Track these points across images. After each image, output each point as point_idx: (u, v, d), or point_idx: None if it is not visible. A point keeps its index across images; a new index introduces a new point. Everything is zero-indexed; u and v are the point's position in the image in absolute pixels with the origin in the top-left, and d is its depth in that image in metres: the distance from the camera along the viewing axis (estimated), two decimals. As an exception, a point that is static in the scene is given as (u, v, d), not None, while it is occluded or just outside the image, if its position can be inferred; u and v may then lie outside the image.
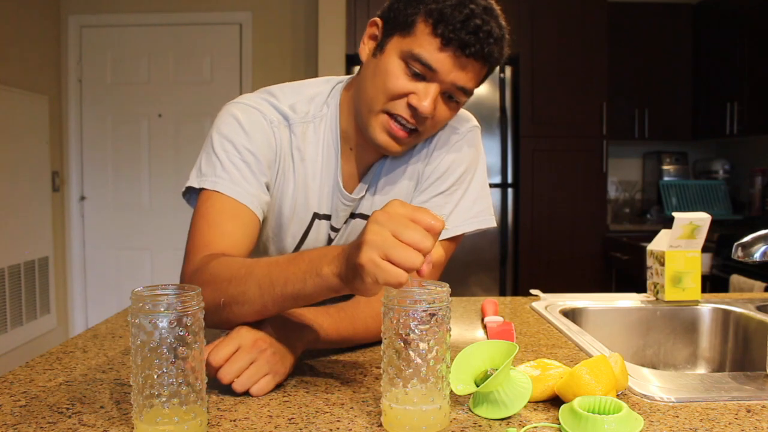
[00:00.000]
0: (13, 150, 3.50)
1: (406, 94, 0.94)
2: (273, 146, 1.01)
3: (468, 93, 0.97)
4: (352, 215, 1.09)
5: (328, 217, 1.07)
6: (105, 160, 4.14)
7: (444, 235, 1.03)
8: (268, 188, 1.02)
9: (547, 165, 3.59)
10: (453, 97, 0.96)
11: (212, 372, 0.76)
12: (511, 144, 3.55)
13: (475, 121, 1.12)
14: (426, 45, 0.91)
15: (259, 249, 1.08)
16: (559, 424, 0.68)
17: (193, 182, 0.98)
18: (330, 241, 1.10)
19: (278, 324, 0.84)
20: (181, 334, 0.63)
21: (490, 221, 1.09)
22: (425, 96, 0.92)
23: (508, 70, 3.52)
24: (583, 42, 3.57)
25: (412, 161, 1.08)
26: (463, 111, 1.12)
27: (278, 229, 1.07)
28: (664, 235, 1.34)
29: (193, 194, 1.01)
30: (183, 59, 4.07)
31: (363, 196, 1.08)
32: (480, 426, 0.69)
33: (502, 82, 3.51)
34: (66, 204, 4.12)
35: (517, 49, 3.55)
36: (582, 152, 3.62)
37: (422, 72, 0.92)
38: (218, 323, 0.84)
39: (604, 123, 3.58)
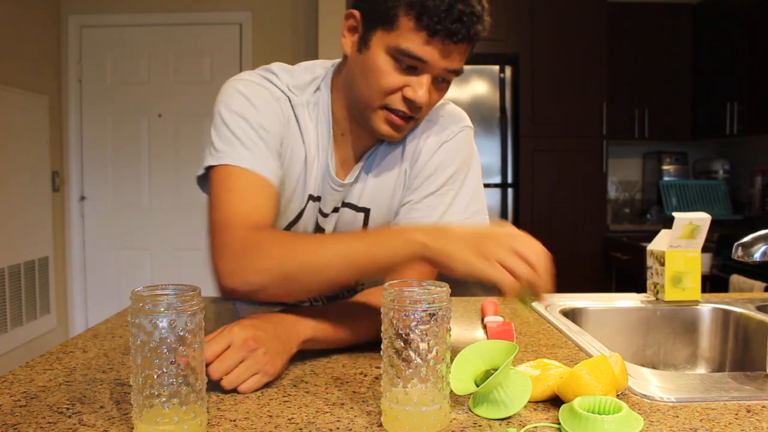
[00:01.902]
0: (13, 150, 3.50)
1: (400, 88, 0.94)
2: (282, 121, 1.00)
3: (458, 73, 0.97)
4: (343, 204, 1.09)
5: (319, 200, 1.07)
6: (105, 160, 4.14)
7: None
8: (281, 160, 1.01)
9: (547, 165, 3.59)
10: (444, 79, 0.97)
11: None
12: (511, 144, 3.55)
13: (468, 121, 1.11)
14: (412, 38, 0.90)
15: None
16: (559, 424, 0.68)
17: (212, 161, 0.95)
18: (317, 226, 1.09)
19: (274, 323, 0.84)
20: (181, 334, 0.63)
21: (485, 221, 1.09)
22: (419, 87, 0.93)
23: (508, 70, 3.52)
24: (583, 42, 3.57)
25: (406, 141, 1.08)
26: (457, 110, 1.12)
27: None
28: (664, 235, 1.34)
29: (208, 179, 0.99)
30: (183, 59, 4.07)
31: (354, 183, 1.07)
32: (480, 426, 0.69)
33: (502, 82, 3.51)
34: (66, 204, 4.12)
35: (517, 49, 3.55)
36: (582, 152, 3.61)
37: (413, 64, 0.92)
38: (280, 295, 0.88)
39: (604, 123, 3.58)
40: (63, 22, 4.03)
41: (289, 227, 1.07)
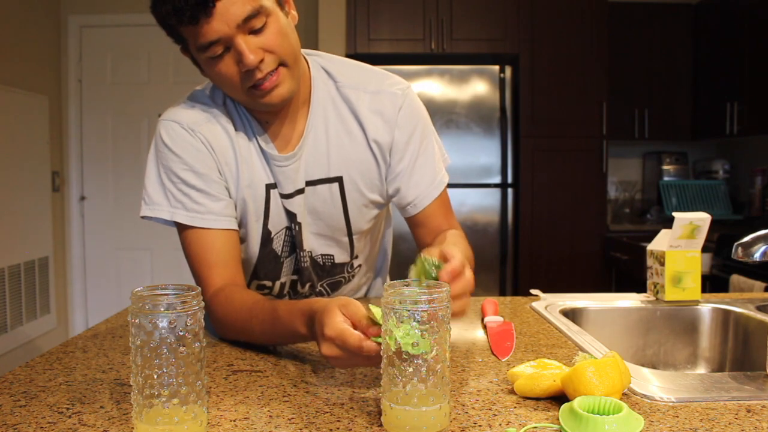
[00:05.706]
0: (13, 150, 3.50)
1: (238, 71, 0.96)
2: (205, 151, 1.05)
3: (255, 10, 0.93)
4: (309, 183, 1.11)
5: (276, 186, 1.10)
6: (105, 160, 4.14)
7: (434, 194, 1.15)
8: (227, 189, 1.07)
9: (547, 165, 3.59)
10: (252, 27, 0.94)
11: None
12: (511, 144, 3.55)
13: (402, 83, 1.14)
14: (189, 37, 0.95)
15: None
16: (559, 424, 0.68)
17: (147, 212, 1.07)
18: (287, 211, 1.11)
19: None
20: (181, 334, 0.63)
21: (447, 158, 1.22)
22: (240, 55, 0.94)
23: (508, 70, 3.52)
24: (583, 42, 3.57)
25: (353, 107, 1.10)
26: (384, 72, 1.14)
27: (244, 210, 1.10)
28: (664, 235, 1.34)
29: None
30: (183, 59, 3.99)
31: (302, 153, 1.09)
32: (480, 426, 0.69)
33: (502, 82, 3.51)
34: (66, 204, 4.12)
35: (517, 49, 3.55)
36: (582, 152, 3.62)
37: (218, 50, 0.94)
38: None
39: (604, 123, 3.58)
40: (63, 22, 4.03)
41: (265, 223, 1.12)
